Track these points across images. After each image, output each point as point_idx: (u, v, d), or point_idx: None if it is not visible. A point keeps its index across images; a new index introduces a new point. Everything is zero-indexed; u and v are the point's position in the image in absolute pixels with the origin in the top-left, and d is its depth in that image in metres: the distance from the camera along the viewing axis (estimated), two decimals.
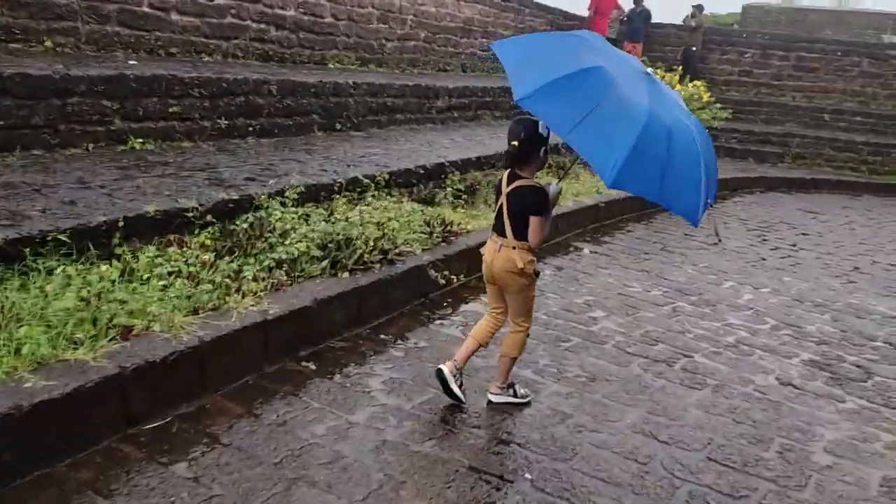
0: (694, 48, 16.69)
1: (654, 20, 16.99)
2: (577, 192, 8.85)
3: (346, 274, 4.61)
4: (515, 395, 3.85)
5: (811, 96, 16.48)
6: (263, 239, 4.59)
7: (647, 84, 3.12)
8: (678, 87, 11.91)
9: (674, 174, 2.94)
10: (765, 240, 8.91)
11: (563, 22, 15.26)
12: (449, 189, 7.05)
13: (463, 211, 6.97)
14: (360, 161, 6.52)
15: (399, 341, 4.49)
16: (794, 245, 8.79)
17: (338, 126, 7.41)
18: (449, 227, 6.01)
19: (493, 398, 3.82)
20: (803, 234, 9.59)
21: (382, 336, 4.52)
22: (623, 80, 3.04)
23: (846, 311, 6.30)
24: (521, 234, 3.45)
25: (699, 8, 16.83)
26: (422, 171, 6.84)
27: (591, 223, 8.57)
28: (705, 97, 11.86)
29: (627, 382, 4.34)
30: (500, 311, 3.76)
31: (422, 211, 6.16)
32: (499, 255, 3.50)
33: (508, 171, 3.55)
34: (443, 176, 7.21)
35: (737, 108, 15.91)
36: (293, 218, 4.89)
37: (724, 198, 11.77)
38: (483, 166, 8.05)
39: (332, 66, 8.66)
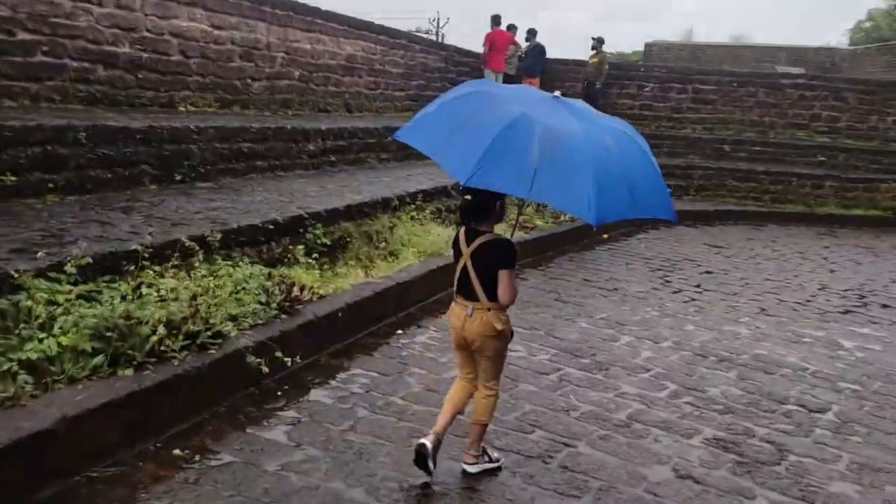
0: (597, 84, 16.31)
1: (560, 56, 16.60)
2: None
3: (129, 371, 3.54)
4: (490, 461, 3.61)
5: (711, 128, 16.28)
6: (15, 332, 3.48)
7: (561, 106, 3.12)
8: None
9: (637, 182, 2.98)
10: (667, 281, 8.22)
11: (459, 58, 14.61)
12: (305, 246, 6.06)
13: (321, 271, 5.97)
14: (193, 218, 5.46)
15: (197, 458, 3.43)
16: (699, 286, 8.13)
17: (177, 177, 6.35)
18: (295, 295, 5.00)
19: (471, 468, 3.54)
20: (708, 272, 8.97)
21: (176, 451, 3.44)
22: (544, 114, 2.99)
23: (753, 367, 5.56)
24: (493, 294, 3.26)
25: (599, 41, 16.50)
26: (272, 227, 5.83)
27: None
28: None
29: (486, 497, 3.39)
30: (473, 376, 3.55)
31: (266, 275, 5.13)
32: (471, 319, 3.30)
33: (464, 227, 3.38)
34: (301, 230, 6.21)
35: None
36: (67, 300, 3.80)
37: (627, 234, 11.16)
38: (356, 216, 7.10)
39: (182, 108, 7.61)
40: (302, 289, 5.22)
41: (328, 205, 6.79)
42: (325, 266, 6.29)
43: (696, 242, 11.05)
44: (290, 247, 6.00)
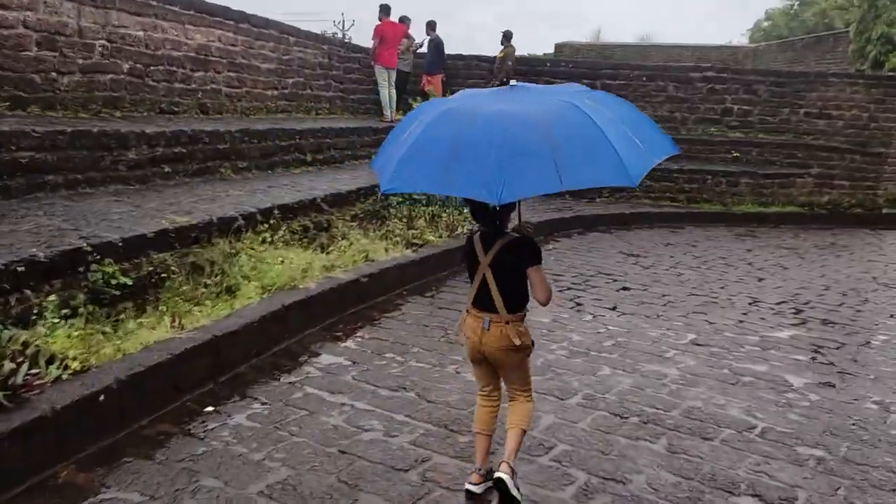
0: (507, 79, 14.92)
1: (454, 51, 15.15)
2: (330, 263, 6.35)
3: None
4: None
5: None
6: None
7: (523, 92, 2.97)
8: None
9: (571, 150, 2.65)
10: (579, 305, 6.81)
11: (345, 53, 12.97)
12: (88, 290, 4.34)
13: (98, 327, 4.26)
14: None
15: None
16: (615, 308, 6.75)
17: None
18: (26, 377, 3.30)
19: (506, 478, 3.10)
20: (625, 287, 7.63)
21: None
22: (523, 105, 2.83)
23: (687, 430, 4.16)
24: (513, 306, 3.06)
25: (507, 35, 15.12)
26: (22, 269, 4.08)
27: (353, 307, 6.08)
28: None
29: None
30: (492, 388, 3.33)
31: None
32: (489, 333, 3.08)
33: (478, 234, 3.14)
34: (82, 269, 4.48)
35: None
36: None
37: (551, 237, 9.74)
38: (178, 244, 5.39)
39: None
40: (50, 361, 3.53)
41: (132, 231, 5.06)
42: (120, 317, 4.58)
43: (612, 251, 9.75)
44: (60, 293, 4.26)
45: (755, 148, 14.67)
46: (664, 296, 7.38)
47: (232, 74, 9.48)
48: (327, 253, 6.77)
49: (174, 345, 4.17)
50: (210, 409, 4.00)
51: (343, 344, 5.28)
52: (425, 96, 12.51)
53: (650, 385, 4.83)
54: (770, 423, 4.35)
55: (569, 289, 7.45)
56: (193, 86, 8.78)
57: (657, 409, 4.43)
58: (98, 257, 4.59)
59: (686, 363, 5.34)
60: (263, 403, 4.14)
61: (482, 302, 3.08)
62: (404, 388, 4.51)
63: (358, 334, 5.54)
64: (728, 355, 5.58)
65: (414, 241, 7.87)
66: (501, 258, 3.01)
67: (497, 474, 3.12)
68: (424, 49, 14.64)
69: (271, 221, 6.53)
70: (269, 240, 6.35)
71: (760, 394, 4.81)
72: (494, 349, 3.10)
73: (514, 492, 3.10)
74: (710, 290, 7.78)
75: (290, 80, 10.95)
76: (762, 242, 11.32)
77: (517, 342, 3.06)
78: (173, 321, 4.53)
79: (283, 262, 5.90)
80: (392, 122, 11.55)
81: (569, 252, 9.53)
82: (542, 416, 4.21)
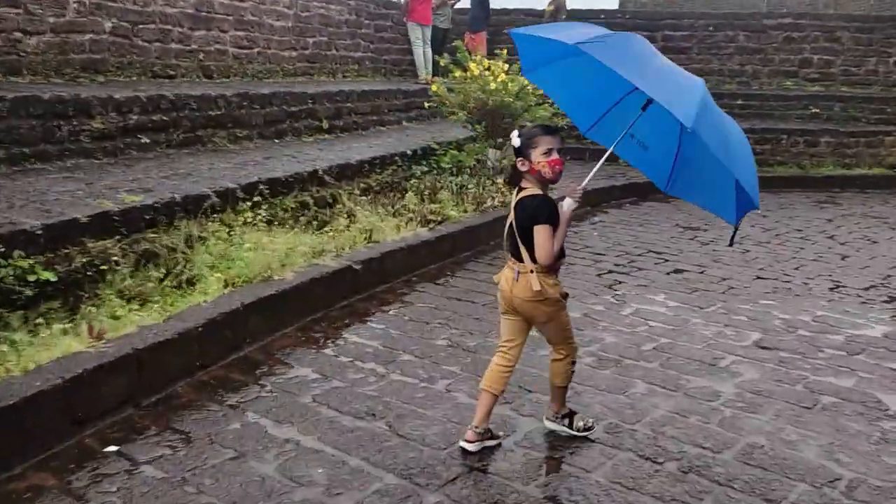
0: None
1: (499, 6, 13.86)
2: (321, 247, 5.36)
3: None
4: (571, 427, 3.32)
5: None
6: None
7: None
8: (512, 77, 8.66)
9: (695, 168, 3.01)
10: (618, 294, 5.65)
11: (374, 10, 11.84)
12: None
13: (5, 335, 3.40)
14: None
15: None
16: (663, 298, 5.56)
17: None
18: None
19: (554, 426, 3.33)
20: (677, 270, 6.41)
21: None
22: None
23: (743, 488, 3.01)
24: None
25: None
26: None
27: (345, 299, 5.11)
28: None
29: None
30: (512, 345, 3.22)
31: None
32: (518, 283, 3.07)
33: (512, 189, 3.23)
34: None
35: None
36: None
37: (580, 218, 8.58)
38: (123, 228, 4.49)
39: None
40: None
41: (63, 215, 4.18)
42: (38, 321, 3.71)
43: (667, 224, 8.47)
44: None
45: (838, 103, 12.91)
46: (724, 280, 6.13)
47: (240, 33, 8.53)
48: (322, 234, 5.79)
49: (77, 362, 3.27)
50: (112, 448, 3.09)
51: (317, 349, 4.31)
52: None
53: (697, 410, 3.69)
54: (859, 471, 3.16)
55: (609, 272, 6.28)
56: (193, 46, 7.88)
57: (704, 448, 3.30)
58: (6, 249, 3.71)
59: (747, 376, 4.15)
60: (185, 440, 3.21)
61: (514, 252, 3.10)
62: (373, 415, 3.51)
63: (341, 335, 4.55)
64: (803, 363, 4.36)
65: (431, 217, 6.82)
66: (518, 210, 3.05)
67: (545, 422, 3.38)
68: (465, 3, 13.40)
69: (256, 198, 5.58)
70: (251, 220, 5.41)
71: (846, 423, 3.61)
72: (522, 301, 3.07)
73: (569, 430, 3.32)
74: (781, 272, 6.47)
75: (311, 40, 9.95)
76: (845, 210, 9.79)
77: (537, 287, 3.00)
78: (90, 330, 3.63)
79: (254, 248, 4.93)
80: (427, 84, 10.42)
81: (617, 226, 8.31)
82: (543, 461, 3.15)
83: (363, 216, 6.44)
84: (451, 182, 8.10)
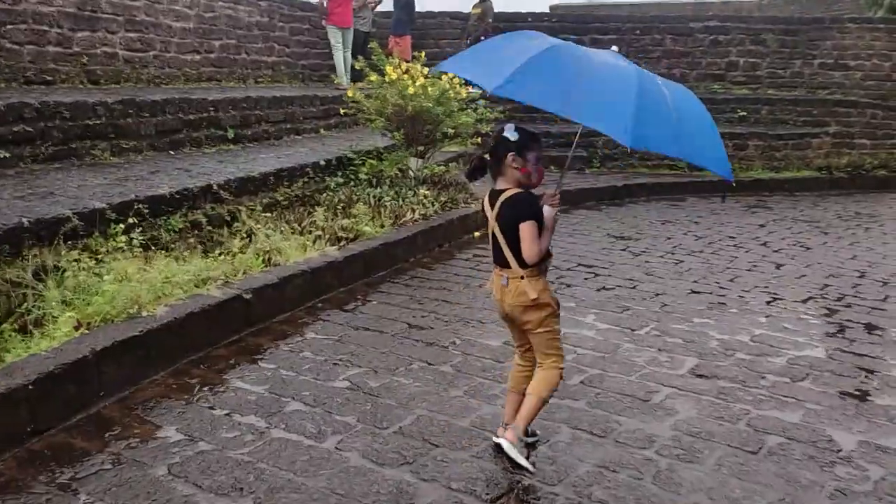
0: (482, 38, 13.06)
1: (424, 8, 13.31)
2: (206, 274, 4.66)
3: None
4: (532, 441, 3.21)
5: None
6: None
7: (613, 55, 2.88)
8: (432, 81, 8.08)
9: (686, 130, 2.73)
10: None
11: (288, 11, 11.12)
12: None
13: None
14: None
15: None
16: (591, 318, 5.05)
17: None
18: None
19: (507, 448, 3.04)
20: (604, 287, 5.93)
21: None
22: (590, 53, 2.85)
23: None
24: (524, 260, 2.92)
25: None
26: None
27: (235, 333, 4.42)
28: (463, 92, 8.12)
29: None
30: (525, 348, 3.17)
31: None
32: (507, 290, 2.99)
33: (489, 192, 3.03)
34: None
35: (530, 107, 12.54)
36: None
37: None
38: None
39: None
40: None
41: None
42: None
43: (598, 234, 8.03)
44: None
45: (764, 106, 12.83)
46: (657, 295, 5.67)
47: (132, 35, 7.72)
48: (214, 258, 5.08)
49: None
50: None
51: (188, 400, 3.62)
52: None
53: (629, 462, 3.15)
54: None
55: None
56: (76, 49, 7.04)
57: None
58: None
59: (683, 413, 3.64)
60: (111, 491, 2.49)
61: (498, 259, 3.02)
62: (241, 490, 2.85)
63: (222, 380, 3.87)
64: (744, 395, 3.89)
65: (342, 234, 6.17)
66: (503, 213, 2.94)
67: (496, 439, 3.12)
68: (388, 6, 12.81)
69: (131, 220, 4.84)
70: (123, 246, 4.67)
71: (797, 471, 3.13)
72: (513, 306, 3.00)
73: (516, 456, 3.02)
74: (716, 285, 6.06)
75: (217, 43, 9.19)
76: (776, 215, 9.57)
77: (533, 296, 2.94)
78: None
79: (122, 279, 4.20)
80: (346, 89, 9.77)
81: None
82: None
83: (264, 236, 5.76)
84: (368, 194, 7.49)
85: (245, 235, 5.77)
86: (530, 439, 3.19)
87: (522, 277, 2.94)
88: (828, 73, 13.41)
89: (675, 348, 4.55)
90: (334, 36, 11.05)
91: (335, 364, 4.15)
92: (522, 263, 2.92)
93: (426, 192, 7.79)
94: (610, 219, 8.97)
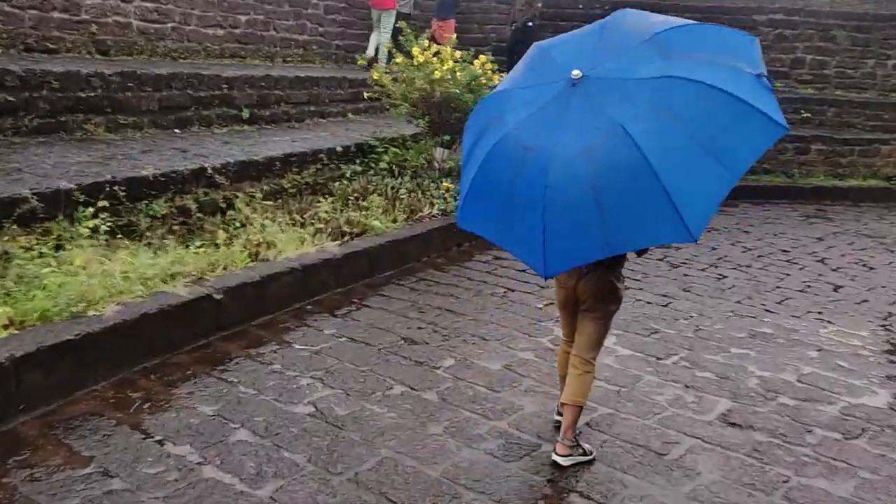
0: (530, 23, 12.32)
1: None
2: (177, 269, 4.14)
3: None
4: (584, 453, 3.01)
5: None
6: None
7: (579, 96, 2.42)
8: (462, 66, 7.43)
9: (618, 204, 2.29)
10: (553, 337, 4.47)
11: None
12: None
13: None
14: None
15: None
16: (615, 345, 4.37)
17: None
18: None
19: (563, 461, 2.94)
20: (636, 301, 5.22)
21: None
22: (522, 138, 2.47)
23: None
24: None
25: None
26: None
27: (203, 338, 3.91)
28: (496, 79, 7.43)
29: None
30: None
31: None
32: (586, 277, 2.86)
33: None
34: None
35: None
36: None
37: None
38: None
39: None
40: None
41: None
42: None
43: None
44: None
45: (831, 107, 11.76)
46: (691, 318, 4.95)
47: (148, 4, 7.27)
48: (195, 251, 4.57)
49: None
50: None
51: (120, 420, 3.10)
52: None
53: None
54: None
55: (551, 303, 5.07)
56: (84, 16, 6.62)
57: None
58: None
59: (706, 475, 2.96)
60: None
61: None
62: None
63: (169, 395, 3.34)
64: (784, 454, 3.18)
65: (346, 229, 5.60)
66: None
67: (553, 457, 2.97)
68: None
69: (102, 203, 4.34)
70: (90, 232, 4.18)
71: None
72: (590, 295, 2.89)
73: (578, 460, 2.96)
74: (762, 307, 5.30)
75: (243, 18, 8.69)
76: (837, 227, 8.64)
77: (619, 285, 2.89)
78: None
79: (71, 272, 3.70)
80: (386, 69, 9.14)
81: None
82: None
83: (260, 226, 5.24)
84: (386, 185, 6.91)
85: (239, 225, 5.25)
86: (590, 457, 3.03)
87: (608, 267, 2.85)
88: None
89: (705, 386, 3.84)
90: (374, 16, 10.47)
91: (304, 383, 3.58)
92: (613, 256, 2.76)
93: (450, 185, 7.17)
94: None
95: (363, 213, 6.08)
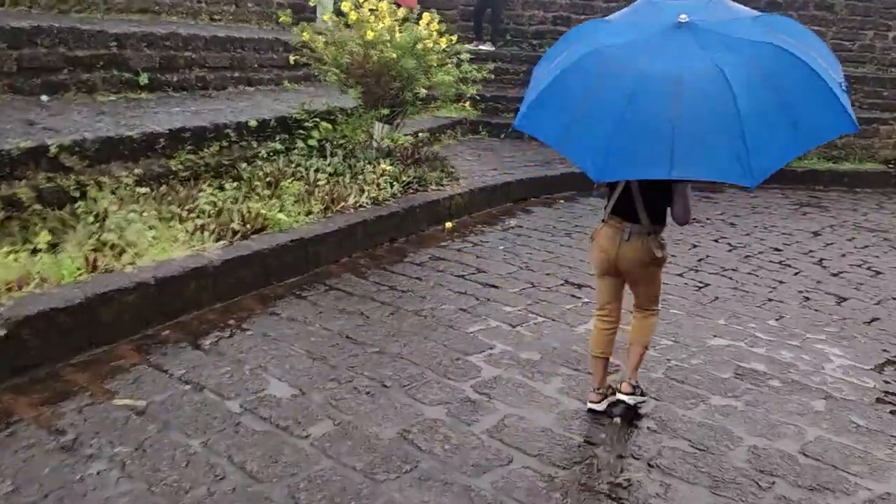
0: None
1: None
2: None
3: None
4: (643, 394, 3.13)
5: None
6: None
7: (690, 37, 2.45)
8: (406, 26, 6.17)
9: (797, 105, 2.34)
10: (477, 382, 3.33)
11: None
12: None
13: None
14: None
15: None
16: (554, 391, 3.24)
17: None
18: None
19: (629, 399, 3.05)
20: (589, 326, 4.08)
21: None
22: (668, 61, 2.41)
23: None
24: (657, 217, 2.86)
25: None
26: None
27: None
28: (444, 42, 6.19)
29: None
30: (612, 308, 3.07)
31: None
32: (628, 244, 2.86)
33: None
34: None
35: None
36: None
37: (490, 222, 6.26)
38: None
39: None
40: None
41: None
42: None
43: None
44: None
45: None
46: (663, 347, 3.82)
47: None
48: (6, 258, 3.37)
49: None
50: None
51: None
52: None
53: None
54: None
55: (486, 328, 3.94)
56: None
57: None
58: None
59: None
60: None
61: (625, 212, 2.85)
62: None
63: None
64: None
65: (236, 225, 4.41)
66: None
67: (618, 396, 3.05)
68: None
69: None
70: None
71: None
72: (632, 261, 2.89)
73: (638, 401, 3.07)
74: (751, 330, 4.19)
75: None
76: (833, 218, 7.55)
77: (658, 255, 2.89)
78: None
79: None
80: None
81: (534, 235, 5.97)
82: None
83: (123, 222, 4.04)
84: (309, 167, 5.73)
85: (93, 221, 4.05)
86: (642, 399, 3.11)
87: (650, 234, 2.85)
88: None
89: (676, 466, 2.74)
90: None
91: (93, 471, 2.42)
92: (656, 220, 2.85)
93: (387, 167, 5.99)
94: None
95: (269, 203, 4.91)
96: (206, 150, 5.31)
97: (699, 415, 3.14)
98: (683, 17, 2.49)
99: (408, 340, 3.67)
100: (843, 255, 6.07)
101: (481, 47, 10.90)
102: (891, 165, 9.94)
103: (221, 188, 5.06)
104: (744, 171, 2.24)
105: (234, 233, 4.37)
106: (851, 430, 3.11)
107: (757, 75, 2.34)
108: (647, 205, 2.83)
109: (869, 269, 5.74)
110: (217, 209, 4.59)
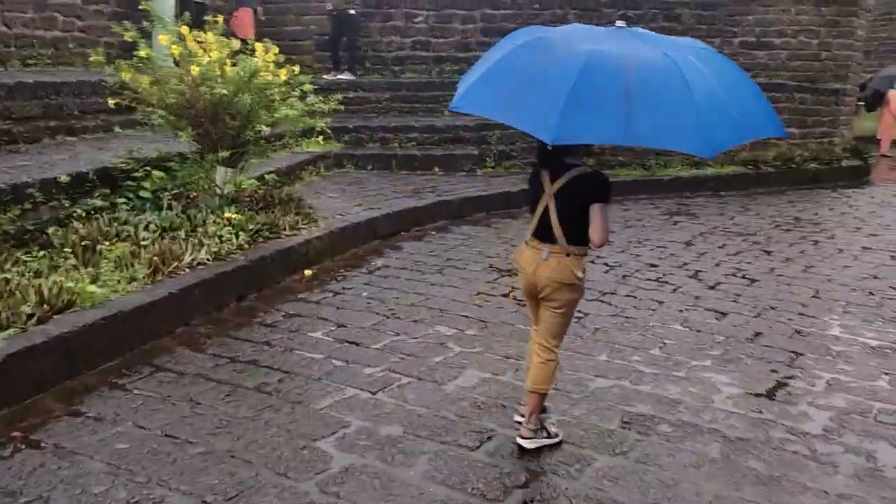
0: (352, 11, 10.54)
1: None
2: None
3: None
4: (549, 436, 2.98)
5: None
6: None
7: (628, 36, 2.57)
8: (243, 58, 5.53)
9: (740, 99, 2.50)
10: (317, 458, 2.73)
11: None
12: None
13: None
14: None
15: None
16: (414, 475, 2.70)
17: None
18: None
19: (527, 444, 2.94)
20: (462, 366, 3.58)
21: None
22: (616, 47, 2.46)
23: None
24: (575, 238, 2.83)
25: None
26: None
27: None
28: (283, 74, 5.61)
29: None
30: None
31: None
32: (546, 264, 2.86)
33: (547, 168, 2.84)
34: None
35: (412, 95, 10.23)
36: None
37: (355, 264, 5.67)
38: None
39: None
40: None
41: None
42: None
43: (475, 264, 5.73)
44: None
45: None
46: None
47: None
48: None
49: None
50: None
51: None
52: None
53: None
54: None
55: (340, 398, 3.36)
56: None
57: None
58: None
59: None
60: None
61: (543, 233, 2.86)
62: None
63: None
64: None
65: (26, 307, 3.61)
66: (570, 188, 2.77)
67: (517, 441, 2.97)
68: None
69: None
70: None
71: None
72: (549, 281, 2.86)
73: (543, 443, 2.96)
74: (634, 364, 3.82)
75: None
76: (703, 224, 7.50)
77: (579, 275, 2.85)
78: None
79: None
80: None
81: (402, 275, 5.44)
82: None
83: None
84: (137, 224, 4.96)
85: None
86: (556, 440, 2.98)
87: (568, 255, 2.82)
88: (750, 52, 11.51)
89: None
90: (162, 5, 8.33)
91: None
92: (573, 241, 2.82)
93: (233, 216, 5.31)
94: (499, 239, 6.69)
95: (81, 272, 4.12)
96: (2, 215, 4.46)
97: (585, 485, 2.68)
98: (621, 23, 2.60)
99: (243, 431, 3.03)
100: (717, 265, 5.92)
101: (340, 77, 10.40)
102: (749, 167, 10.18)
103: (21, 261, 4.24)
104: (702, 142, 2.28)
105: (29, 317, 3.58)
106: (751, 481, 2.73)
107: (702, 66, 2.43)
108: (563, 225, 2.79)
109: (743, 277, 5.59)
110: (7, 288, 3.78)
